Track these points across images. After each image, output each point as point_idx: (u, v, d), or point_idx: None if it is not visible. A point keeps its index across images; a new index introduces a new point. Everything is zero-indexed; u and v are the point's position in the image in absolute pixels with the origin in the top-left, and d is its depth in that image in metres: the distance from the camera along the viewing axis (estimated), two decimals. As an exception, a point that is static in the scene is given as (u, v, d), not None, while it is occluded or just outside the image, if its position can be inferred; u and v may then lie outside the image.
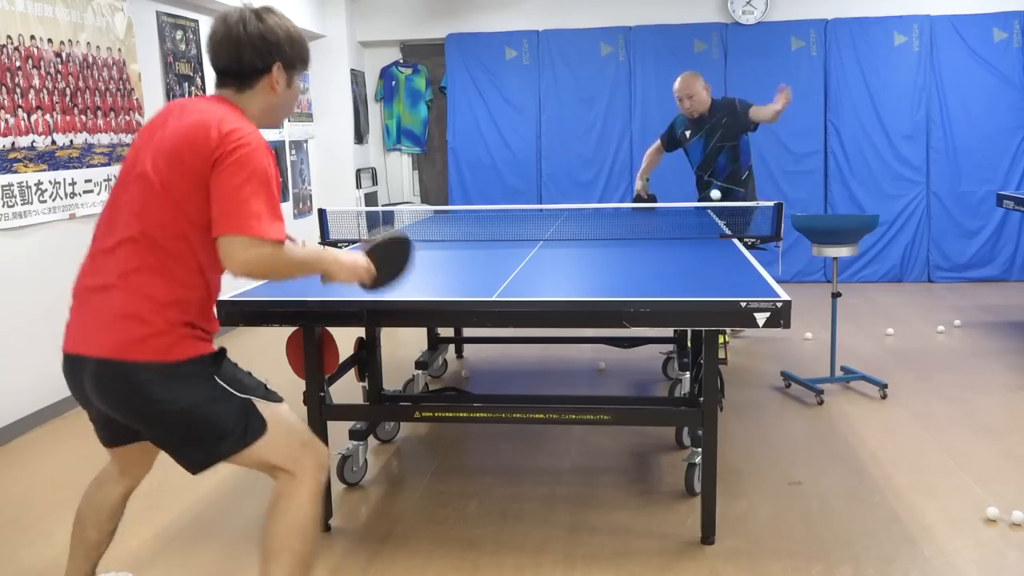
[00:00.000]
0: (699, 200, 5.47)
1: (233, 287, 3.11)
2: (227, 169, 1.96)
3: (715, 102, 5.36)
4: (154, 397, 2.00)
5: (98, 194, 4.75)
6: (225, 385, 2.07)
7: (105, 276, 2.08)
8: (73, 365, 2.08)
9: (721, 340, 5.33)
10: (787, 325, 2.55)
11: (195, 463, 2.10)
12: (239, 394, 2.09)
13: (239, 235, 1.95)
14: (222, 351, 2.14)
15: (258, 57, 2.10)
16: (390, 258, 2.37)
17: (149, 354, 1.98)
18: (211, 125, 1.98)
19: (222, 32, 2.10)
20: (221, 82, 2.16)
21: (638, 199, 5.52)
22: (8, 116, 4.10)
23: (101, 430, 2.29)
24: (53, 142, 4.40)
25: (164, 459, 3.89)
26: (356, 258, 2.27)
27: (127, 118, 5.04)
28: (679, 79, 5.36)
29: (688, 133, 5.44)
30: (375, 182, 8.45)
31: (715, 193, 5.19)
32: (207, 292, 2.10)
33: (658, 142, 5.69)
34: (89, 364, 2.02)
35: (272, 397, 2.17)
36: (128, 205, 2.04)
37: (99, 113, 4.77)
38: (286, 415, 2.16)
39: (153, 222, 2.00)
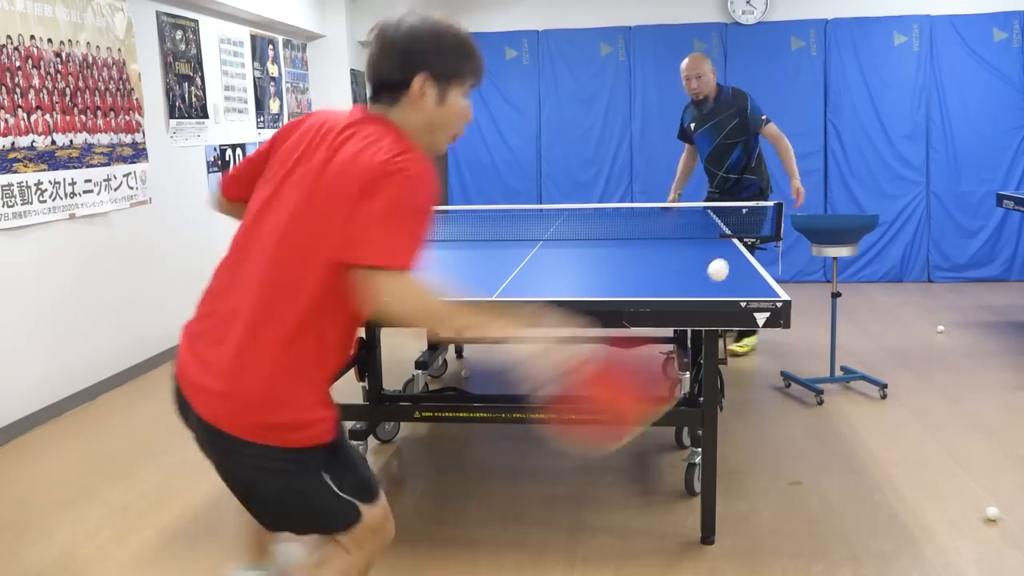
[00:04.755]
0: (708, 192, 5.41)
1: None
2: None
3: (723, 90, 5.26)
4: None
5: (97, 194, 4.75)
6: (330, 483, 1.84)
7: None
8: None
9: (748, 348, 5.33)
10: (787, 325, 2.55)
11: (272, 528, 2.05)
12: (343, 495, 1.86)
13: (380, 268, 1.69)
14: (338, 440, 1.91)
15: (396, 69, 1.82)
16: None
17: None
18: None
19: (373, 39, 1.86)
20: (375, 96, 1.88)
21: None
22: (8, 116, 4.10)
23: None
24: (53, 142, 4.40)
25: (164, 459, 3.91)
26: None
27: (127, 118, 5.04)
28: (687, 59, 5.25)
29: (694, 126, 5.37)
30: (375, 182, 8.44)
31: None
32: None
33: (686, 146, 5.60)
34: None
35: (375, 496, 1.94)
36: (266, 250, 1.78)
37: (99, 113, 4.77)
38: (380, 514, 1.96)
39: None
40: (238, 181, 2.01)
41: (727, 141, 5.22)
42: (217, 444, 1.80)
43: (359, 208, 1.67)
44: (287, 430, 1.76)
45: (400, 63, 1.82)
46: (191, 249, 5.77)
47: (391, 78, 1.83)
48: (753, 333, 5.34)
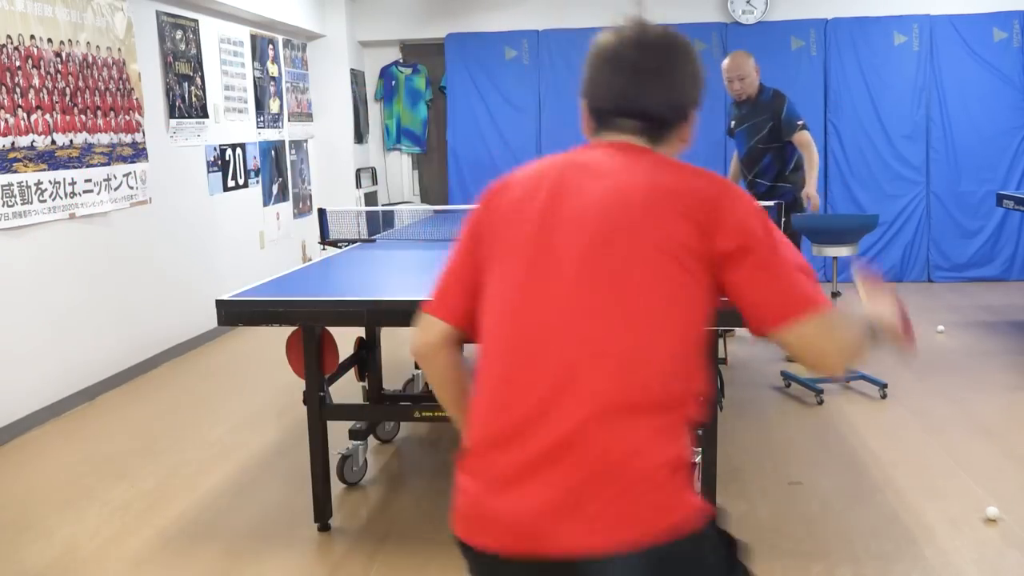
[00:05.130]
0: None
1: (232, 287, 3.11)
2: None
3: (763, 91, 5.12)
4: None
5: (97, 194, 4.75)
6: None
7: None
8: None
9: None
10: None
11: None
12: None
13: None
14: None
15: (689, 99, 1.44)
16: None
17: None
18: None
19: (632, 48, 1.41)
20: (628, 129, 1.42)
21: None
22: (8, 116, 4.09)
23: None
24: (53, 142, 4.40)
25: (164, 459, 3.90)
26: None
27: (127, 118, 5.04)
28: (729, 58, 5.10)
29: (734, 124, 5.28)
30: (375, 182, 8.45)
31: None
32: None
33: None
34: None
35: None
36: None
37: (99, 113, 4.77)
38: None
39: None
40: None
41: (760, 146, 5.12)
42: None
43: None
44: None
45: (692, 94, 1.45)
46: (191, 249, 5.78)
47: (681, 109, 1.43)
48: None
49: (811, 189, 5.06)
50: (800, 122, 5.04)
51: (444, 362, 1.48)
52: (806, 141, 5.05)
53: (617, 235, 1.31)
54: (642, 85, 1.41)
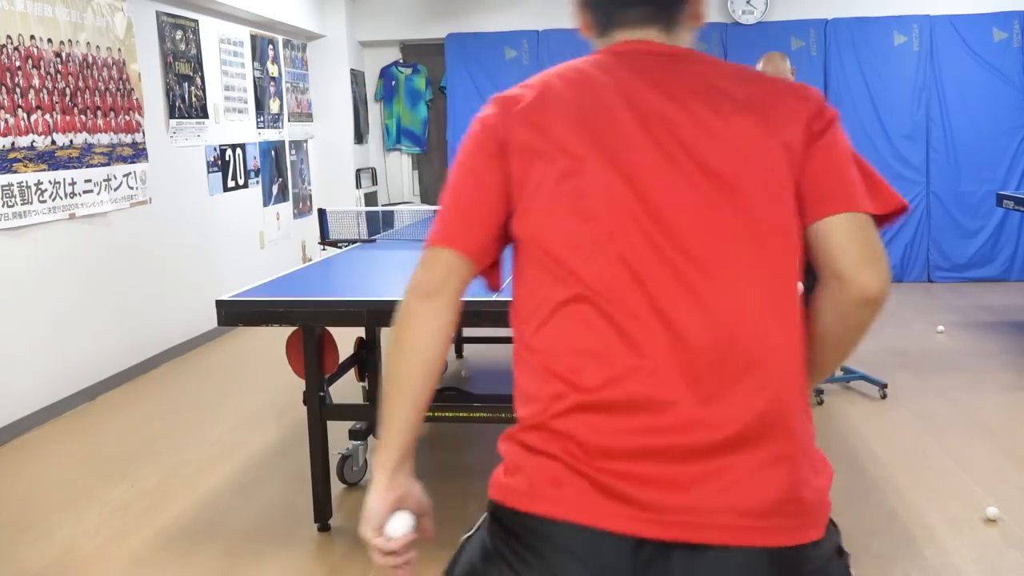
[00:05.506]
0: None
1: (232, 287, 3.11)
2: None
3: None
4: None
5: (97, 194, 4.75)
6: None
7: None
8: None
9: None
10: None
11: None
12: None
13: None
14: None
15: None
16: None
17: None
18: None
19: None
20: (636, 20, 1.27)
21: None
22: (8, 116, 4.10)
23: None
24: (53, 142, 4.40)
25: (164, 459, 3.91)
26: None
27: (127, 118, 5.04)
28: (766, 59, 4.80)
29: None
30: (375, 182, 8.45)
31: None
32: None
33: None
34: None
35: None
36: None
37: (99, 113, 4.77)
38: None
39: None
40: None
41: None
42: None
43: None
44: None
45: None
46: (191, 249, 5.78)
47: None
48: None
49: None
50: None
51: (440, 306, 1.22)
52: None
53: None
54: None
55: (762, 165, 1.16)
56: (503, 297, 2.92)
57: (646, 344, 1.11)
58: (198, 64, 5.92)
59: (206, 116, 5.99)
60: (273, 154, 7.10)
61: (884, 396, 4.39)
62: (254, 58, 6.78)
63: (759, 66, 5.08)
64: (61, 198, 4.46)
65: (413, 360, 1.25)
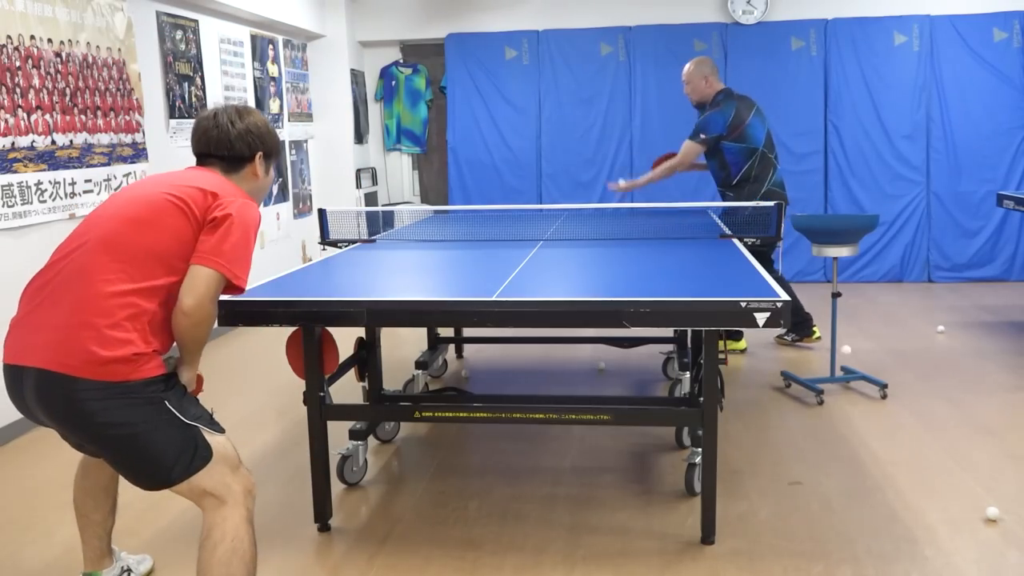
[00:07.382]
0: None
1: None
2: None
3: (715, 98, 5.11)
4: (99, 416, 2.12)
5: (98, 194, 4.75)
6: (174, 411, 2.17)
7: None
8: (42, 378, 2.17)
9: (742, 346, 5.32)
10: (787, 325, 2.56)
11: (145, 486, 2.24)
12: (187, 421, 2.18)
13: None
14: (172, 375, 2.24)
15: (245, 146, 2.46)
16: None
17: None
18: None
19: (212, 124, 2.48)
20: (206, 163, 2.56)
21: None
22: (8, 116, 4.10)
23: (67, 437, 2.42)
24: (53, 142, 4.40)
25: (164, 459, 3.86)
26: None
27: (127, 118, 5.04)
28: (688, 64, 5.23)
29: None
30: (375, 182, 8.45)
31: None
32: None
33: None
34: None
35: (216, 427, 2.26)
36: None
37: (99, 113, 4.77)
38: (225, 444, 2.26)
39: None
40: None
41: (706, 153, 5.14)
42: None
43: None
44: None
45: (249, 143, 2.50)
46: (191, 249, 5.77)
47: (240, 153, 2.52)
48: (741, 335, 5.34)
49: (625, 182, 5.25)
50: (701, 134, 5.03)
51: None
52: (683, 149, 5.09)
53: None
54: None
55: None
56: (502, 297, 2.92)
57: None
58: (198, 64, 5.92)
59: (206, 116, 5.98)
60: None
61: (884, 396, 4.39)
62: (254, 58, 6.78)
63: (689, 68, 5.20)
64: (61, 198, 4.46)
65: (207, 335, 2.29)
